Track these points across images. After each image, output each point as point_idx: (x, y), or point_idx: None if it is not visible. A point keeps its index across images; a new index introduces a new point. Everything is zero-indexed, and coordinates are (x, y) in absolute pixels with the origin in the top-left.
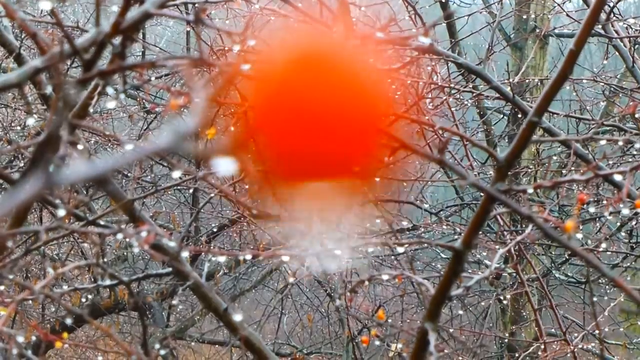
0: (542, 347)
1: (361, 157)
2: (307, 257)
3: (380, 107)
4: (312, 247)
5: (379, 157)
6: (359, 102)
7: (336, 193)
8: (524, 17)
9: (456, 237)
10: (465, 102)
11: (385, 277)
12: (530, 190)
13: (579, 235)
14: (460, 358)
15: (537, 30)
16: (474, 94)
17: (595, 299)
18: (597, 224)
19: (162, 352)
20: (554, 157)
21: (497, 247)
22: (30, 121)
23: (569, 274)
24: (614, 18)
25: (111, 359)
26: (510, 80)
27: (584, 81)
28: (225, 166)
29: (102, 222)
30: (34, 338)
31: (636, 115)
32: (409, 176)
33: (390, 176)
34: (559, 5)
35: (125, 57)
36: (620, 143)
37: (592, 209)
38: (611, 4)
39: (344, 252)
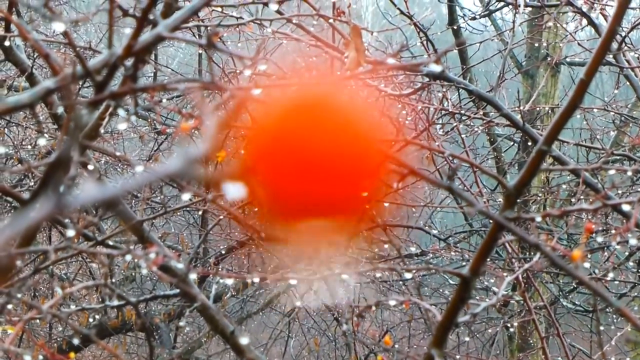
0: None
1: (362, 194)
2: (315, 281)
3: (382, 147)
4: (320, 271)
5: (379, 193)
6: (359, 141)
7: (337, 228)
8: (536, 45)
9: (464, 263)
10: (476, 129)
11: (392, 302)
12: (539, 219)
13: (587, 265)
14: None
15: (549, 59)
16: (485, 121)
17: (602, 328)
18: (605, 254)
19: None
20: (563, 186)
21: (505, 274)
22: (41, 141)
23: (576, 302)
24: (626, 48)
25: None
26: (521, 107)
27: (595, 110)
28: (234, 189)
29: (110, 243)
30: (41, 357)
31: None
32: (418, 202)
33: (399, 201)
34: (570, 34)
35: (137, 79)
36: (630, 173)
37: (600, 239)
38: (623, 34)
39: (352, 277)
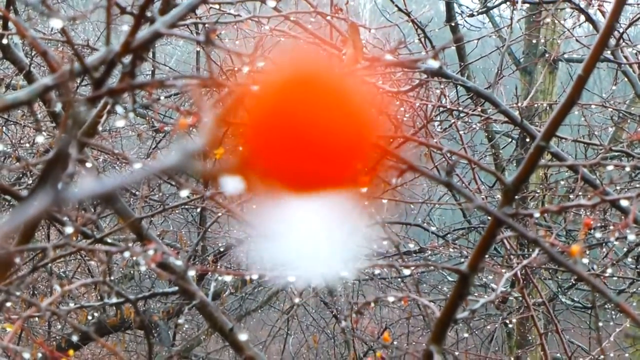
0: None
1: (353, 175)
2: (314, 279)
3: (375, 128)
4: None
5: (373, 175)
6: (351, 122)
7: (331, 210)
8: (534, 41)
9: (463, 260)
10: (474, 126)
11: (391, 299)
12: (537, 215)
13: (586, 261)
14: None
15: (547, 55)
16: (483, 118)
17: (601, 324)
18: (604, 250)
19: None
20: (562, 182)
21: (503, 270)
22: (40, 139)
23: (575, 299)
24: (624, 44)
25: None
26: (519, 104)
27: (593, 106)
28: (232, 183)
29: (109, 240)
30: (39, 355)
31: None
32: (416, 199)
33: (398, 198)
34: (568, 30)
35: (135, 76)
36: (628, 169)
37: (598, 235)
38: (621, 30)
39: (351, 274)
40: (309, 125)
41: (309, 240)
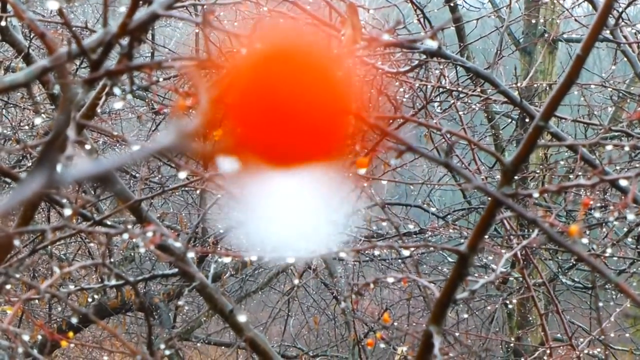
0: (548, 352)
1: (329, 147)
2: (313, 260)
3: (350, 101)
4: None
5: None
6: (334, 93)
7: (311, 182)
8: (533, 21)
9: (463, 241)
10: (474, 106)
11: (391, 280)
12: (537, 195)
13: (585, 241)
14: None
15: (546, 35)
16: (482, 98)
17: (601, 304)
18: (604, 230)
19: (168, 352)
20: (561, 162)
21: (503, 251)
22: (38, 121)
23: (575, 279)
24: (623, 23)
25: (117, 359)
26: (519, 84)
27: (592, 86)
28: (228, 166)
29: (109, 222)
30: (40, 337)
31: None
32: (416, 179)
33: (398, 179)
34: (567, 10)
35: (132, 58)
36: (627, 148)
37: (598, 214)
38: (620, 9)
39: (350, 255)
40: (291, 99)
41: (295, 215)
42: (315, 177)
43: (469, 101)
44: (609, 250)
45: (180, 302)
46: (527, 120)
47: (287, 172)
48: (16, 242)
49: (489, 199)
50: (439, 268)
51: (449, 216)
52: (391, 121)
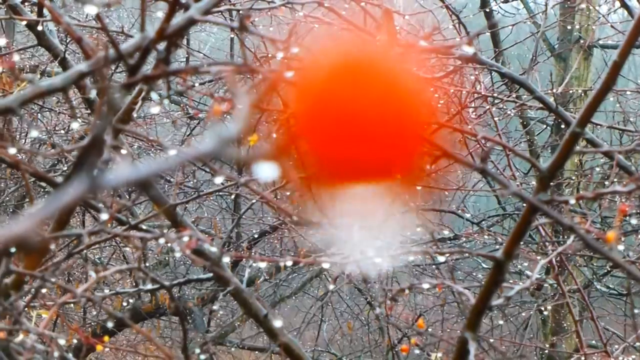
0: (583, 358)
1: (402, 163)
2: (348, 265)
3: (422, 114)
4: (353, 254)
5: (419, 163)
6: (400, 108)
7: (377, 199)
8: (569, 27)
9: (497, 247)
10: (509, 112)
11: (425, 286)
12: (572, 201)
13: (621, 247)
14: None
15: (582, 41)
16: (517, 104)
17: (636, 311)
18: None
19: (202, 357)
20: (597, 169)
21: (538, 257)
22: (75, 125)
23: (610, 285)
24: None
25: None
26: (554, 90)
27: (628, 92)
28: (266, 172)
29: (144, 227)
30: (75, 341)
31: None
32: (451, 185)
33: (433, 185)
34: (603, 16)
35: (169, 63)
36: None
37: (634, 221)
38: None
39: (385, 260)
40: (357, 113)
41: (355, 229)
42: (378, 193)
43: (504, 107)
44: None
45: (214, 307)
46: (562, 126)
47: (351, 186)
48: (52, 246)
49: (525, 205)
50: (474, 274)
51: (483, 222)
52: (426, 127)
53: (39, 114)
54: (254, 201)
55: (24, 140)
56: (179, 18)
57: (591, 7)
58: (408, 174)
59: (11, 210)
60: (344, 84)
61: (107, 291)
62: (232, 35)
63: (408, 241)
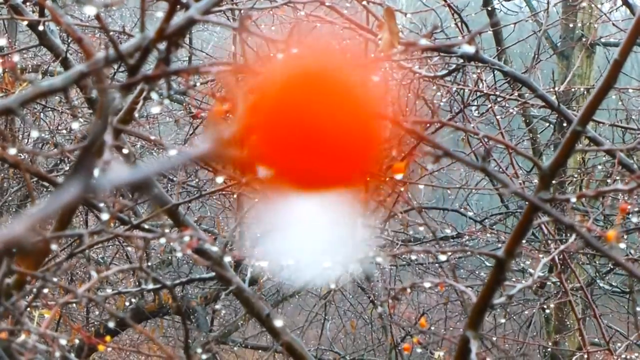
0: (586, 356)
1: (350, 172)
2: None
3: (375, 123)
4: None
5: (370, 172)
6: (352, 117)
7: (327, 207)
8: (571, 25)
9: (500, 245)
10: (511, 110)
11: (428, 284)
12: (574, 200)
13: (623, 245)
14: None
15: (584, 39)
16: (520, 102)
17: (638, 308)
18: None
19: (205, 356)
20: (599, 167)
21: (541, 256)
22: (75, 124)
23: (613, 283)
24: None
25: None
26: (556, 88)
27: (630, 90)
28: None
29: (146, 226)
30: (77, 341)
31: None
32: (453, 184)
33: (435, 184)
34: (605, 14)
35: (170, 63)
36: None
37: (635, 219)
38: None
39: (387, 260)
40: (315, 121)
41: (313, 237)
42: (335, 200)
43: (507, 105)
44: None
45: (217, 306)
46: (564, 124)
47: (307, 193)
48: (53, 246)
49: (527, 203)
50: (476, 272)
51: (486, 220)
52: (428, 125)
53: (42, 114)
54: (256, 200)
55: (26, 140)
56: (179, 18)
57: (593, 5)
58: (357, 182)
59: (14, 210)
60: (296, 92)
61: (109, 291)
62: (234, 34)
63: (411, 239)
